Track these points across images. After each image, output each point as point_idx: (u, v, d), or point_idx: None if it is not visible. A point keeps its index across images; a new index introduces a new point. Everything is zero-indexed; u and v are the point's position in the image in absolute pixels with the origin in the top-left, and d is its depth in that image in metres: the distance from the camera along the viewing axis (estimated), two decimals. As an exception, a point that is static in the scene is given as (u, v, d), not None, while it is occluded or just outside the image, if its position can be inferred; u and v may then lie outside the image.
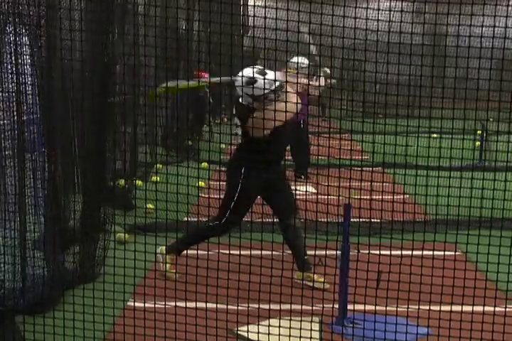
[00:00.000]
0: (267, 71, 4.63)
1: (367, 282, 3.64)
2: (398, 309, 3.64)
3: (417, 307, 3.53)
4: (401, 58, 3.62)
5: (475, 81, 3.83)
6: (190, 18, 8.17)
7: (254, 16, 4.05)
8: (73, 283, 4.31)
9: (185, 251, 4.41)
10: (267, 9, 3.58)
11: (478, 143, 10.38)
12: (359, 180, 3.71)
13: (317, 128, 4.85)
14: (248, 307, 3.56)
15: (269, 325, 3.56)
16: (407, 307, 3.56)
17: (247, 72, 4.54)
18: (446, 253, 3.60)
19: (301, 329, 3.57)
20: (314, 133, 8.71)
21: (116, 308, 3.69)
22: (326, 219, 3.90)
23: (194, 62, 10.12)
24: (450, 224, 4.08)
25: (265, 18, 3.50)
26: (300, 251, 4.78)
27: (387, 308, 3.60)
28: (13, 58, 3.97)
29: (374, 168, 3.89)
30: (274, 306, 3.59)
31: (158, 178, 6.40)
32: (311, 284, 4.79)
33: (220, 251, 3.51)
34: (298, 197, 5.09)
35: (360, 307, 3.91)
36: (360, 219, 4.62)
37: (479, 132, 10.51)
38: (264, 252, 3.60)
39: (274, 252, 3.53)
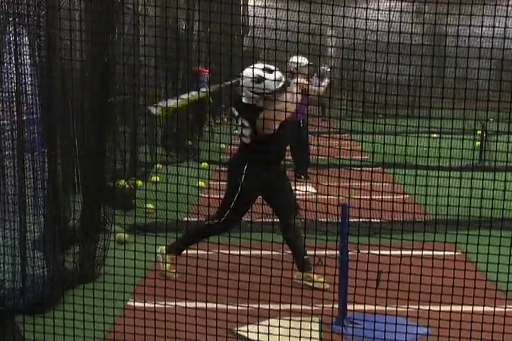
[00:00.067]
0: (272, 68, 4.65)
1: (367, 282, 3.64)
2: (398, 309, 3.64)
3: (416, 307, 3.53)
4: (401, 58, 3.62)
5: (475, 81, 3.83)
6: (190, 18, 8.17)
7: (254, 16, 4.05)
8: (73, 283, 4.31)
9: (185, 251, 4.41)
10: (267, 9, 3.59)
11: (478, 143, 10.38)
12: (359, 180, 3.71)
13: (317, 128, 4.85)
14: (248, 307, 3.56)
15: (269, 325, 3.56)
16: (407, 308, 3.56)
17: (254, 70, 4.53)
18: (446, 253, 3.60)
19: (301, 329, 3.57)
20: (314, 133, 8.71)
21: (117, 308, 3.69)
22: (325, 219, 3.90)
23: (194, 62, 10.12)
24: (450, 224, 4.08)
25: (265, 18, 3.50)
26: (300, 251, 4.78)
27: (387, 308, 3.60)
28: (13, 58, 3.97)
29: (374, 168, 3.89)
30: (274, 306, 3.59)
31: (158, 178, 6.41)
32: (310, 284, 4.79)
33: (220, 251, 3.51)
34: (298, 197, 5.09)
35: (360, 307, 3.91)
36: (360, 219, 4.62)
37: (479, 132, 10.51)
38: (264, 252, 3.60)
39: (273, 252, 3.53)
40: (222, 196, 4.82)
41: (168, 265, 4.95)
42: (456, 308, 3.53)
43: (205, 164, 7.05)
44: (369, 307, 3.79)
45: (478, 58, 3.72)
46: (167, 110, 4.80)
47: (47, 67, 4.30)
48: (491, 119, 9.69)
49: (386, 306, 3.58)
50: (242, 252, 3.54)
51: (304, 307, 3.69)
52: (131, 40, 6.05)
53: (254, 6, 4.39)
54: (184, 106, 4.95)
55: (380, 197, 3.80)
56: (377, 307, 3.66)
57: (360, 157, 4.34)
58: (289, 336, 3.55)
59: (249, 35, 7.90)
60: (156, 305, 3.50)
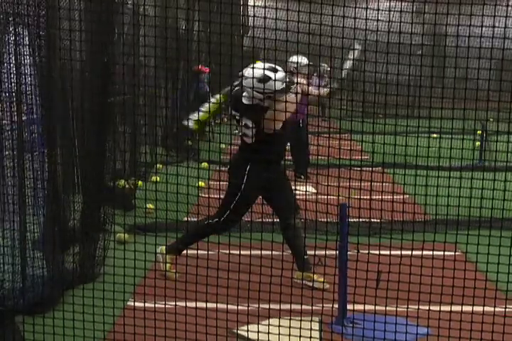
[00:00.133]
0: (277, 67, 4.66)
1: (366, 282, 3.64)
2: (398, 309, 3.64)
3: (416, 307, 3.53)
4: (401, 58, 3.62)
5: (475, 81, 3.83)
6: (190, 18, 8.17)
7: (254, 16, 4.05)
8: (73, 283, 4.31)
9: (185, 251, 4.41)
10: (266, 9, 3.59)
11: (478, 143, 10.38)
12: (359, 180, 3.71)
13: (317, 128, 4.85)
14: (248, 306, 3.56)
15: (269, 325, 3.56)
16: (407, 307, 3.56)
17: (257, 70, 4.53)
18: (446, 253, 3.60)
19: (301, 328, 3.57)
20: (314, 133, 8.70)
21: (116, 308, 3.69)
22: (325, 219, 3.90)
23: (194, 62, 10.12)
24: (450, 224, 4.08)
25: (265, 18, 3.51)
26: (300, 250, 4.78)
27: (387, 308, 3.61)
28: (13, 58, 3.97)
29: (374, 168, 3.89)
30: (274, 306, 3.59)
31: (158, 178, 6.41)
32: (310, 284, 4.79)
33: (220, 250, 3.51)
34: (298, 197, 5.09)
35: (360, 307, 3.91)
36: (360, 219, 4.62)
37: (479, 132, 10.51)
38: (264, 252, 3.60)
39: (273, 252, 3.53)
40: (222, 196, 4.82)
41: (168, 265, 4.95)
42: (456, 308, 3.54)
43: (205, 164, 7.05)
44: (369, 307, 3.80)
45: (478, 58, 3.72)
46: (200, 122, 4.95)
47: (47, 67, 4.30)
48: (491, 119, 9.69)
49: (386, 306, 3.58)
50: (242, 252, 3.54)
51: (304, 307, 3.69)
52: (131, 40, 6.05)
53: (254, 6, 4.39)
54: (213, 113, 5.10)
55: (380, 197, 3.80)
56: (377, 307, 3.67)
57: (360, 157, 4.34)
58: (289, 335, 3.55)
59: (249, 35, 7.90)
60: (156, 305, 3.50)
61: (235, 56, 3.62)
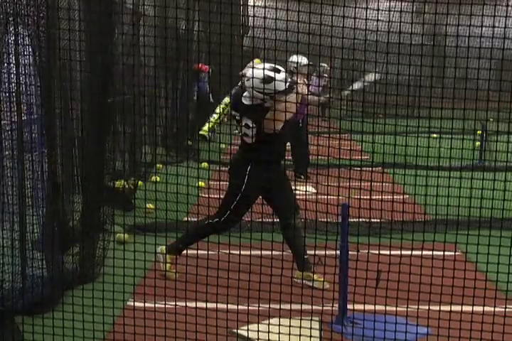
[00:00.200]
0: (279, 68, 4.66)
1: (366, 281, 3.64)
2: (398, 309, 3.64)
3: (416, 307, 3.53)
4: (401, 58, 3.62)
5: (475, 81, 3.83)
6: (190, 18, 8.17)
7: (254, 16, 4.05)
8: (73, 283, 4.31)
9: (185, 251, 4.41)
10: (266, 9, 3.59)
11: (478, 143, 10.38)
12: (359, 180, 3.72)
13: (317, 128, 4.84)
14: (248, 306, 3.56)
15: (269, 324, 3.56)
16: (407, 307, 3.56)
17: (259, 71, 4.53)
18: (446, 253, 3.60)
19: (301, 328, 3.57)
20: (314, 133, 8.71)
21: (116, 308, 3.68)
22: (325, 219, 3.90)
23: (194, 62, 10.12)
24: (450, 224, 4.09)
25: (265, 18, 3.51)
26: (300, 250, 4.78)
27: (387, 308, 3.60)
28: (13, 58, 3.97)
29: (374, 168, 3.89)
30: (274, 305, 3.59)
31: (158, 178, 6.41)
32: (310, 284, 4.79)
33: (220, 250, 3.51)
34: (298, 197, 5.09)
35: (360, 306, 3.91)
36: (360, 219, 4.62)
37: (479, 132, 10.51)
38: (264, 252, 3.60)
39: (274, 252, 3.53)
40: (222, 196, 4.82)
41: (168, 265, 4.95)
42: (456, 308, 3.53)
43: (205, 164, 7.06)
44: (369, 307, 3.80)
45: (478, 58, 3.72)
46: (209, 129, 5.37)
47: (47, 67, 4.30)
48: (491, 119, 9.69)
49: (386, 306, 3.58)
50: (242, 252, 3.54)
51: (304, 306, 3.69)
52: (132, 41, 6.05)
53: (254, 6, 4.39)
54: (219, 118, 5.48)
55: (380, 197, 3.80)
56: (377, 307, 3.67)
57: (360, 157, 4.34)
58: (289, 335, 3.55)
59: (249, 35, 7.91)
60: (156, 305, 3.50)
61: (234, 56, 3.62)
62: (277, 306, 3.62)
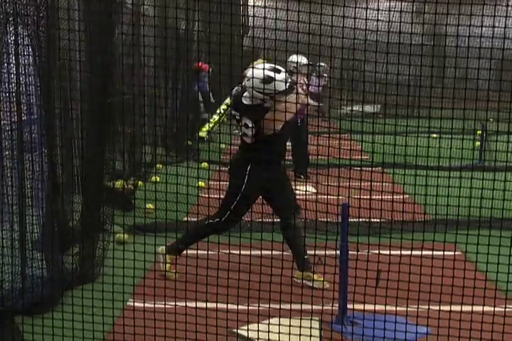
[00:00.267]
0: (279, 68, 4.66)
1: (366, 281, 3.64)
2: (398, 308, 3.64)
3: (416, 306, 3.53)
4: (401, 58, 3.62)
5: (474, 81, 3.83)
6: (190, 18, 8.17)
7: (254, 16, 4.05)
8: (72, 283, 4.30)
9: (185, 251, 4.41)
10: (266, 9, 3.59)
11: (478, 143, 10.38)
12: (359, 179, 3.72)
13: (317, 128, 4.84)
14: (248, 306, 3.56)
15: (269, 324, 3.56)
16: (407, 307, 3.56)
17: (260, 71, 4.53)
18: (446, 253, 3.60)
19: (301, 328, 3.57)
20: (314, 133, 8.70)
21: (116, 309, 3.68)
22: (325, 219, 3.90)
23: (194, 62, 10.11)
24: (450, 223, 4.09)
25: (265, 18, 3.50)
26: (300, 250, 4.78)
27: (387, 307, 3.61)
28: (13, 58, 3.97)
29: (374, 168, 3.89)
30: (274, 305, 3.59)
31: (157, 178, 6.41)
32: (310, 284, 4.79)
33: (220, 250, 3.51)
34: (298, 197, 5.09)
35: (359, 306, 3.91)
36: (360, 219, 4.62)
37: (479, 132, 10.51)
38: (264, 252, 3.60)
39: (274, 252, 3.53)
40: (222, 196, 4.82)
41: (168, 265, 4.95)
42: (455, 308, 3.54)
43: (205, 164, 7.06)
44: (369, 307, 3.80)
45: (478, 58, 3.72)
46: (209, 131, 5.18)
47: (47, 67, 4.30)
48: (491, 119, 9.69)
49: (386, 305, 3.58)
50: (242, 252, 3.54)
51: (304, 306, 3.69)
52: (132, 41, 6.04)
53: (254, 6, 4.39)
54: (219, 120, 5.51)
55: (380, 197, 3.81)
56: (377, 307, 3.67)
57: (360, 157, 4.34)
58: (289, 335, 3.55)
59: (249, 35, 7.90)
60: (156, 305, 3.50)
61: (234, 56, 3.62)
62: (277, 306, 3.62)
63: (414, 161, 3.98)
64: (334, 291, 4.15)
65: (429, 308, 3.52)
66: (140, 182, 7.40)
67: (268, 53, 3.84)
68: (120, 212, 5.14)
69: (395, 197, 3.85)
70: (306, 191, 4.95)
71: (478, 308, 3.48)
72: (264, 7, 3.61)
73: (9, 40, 3.95)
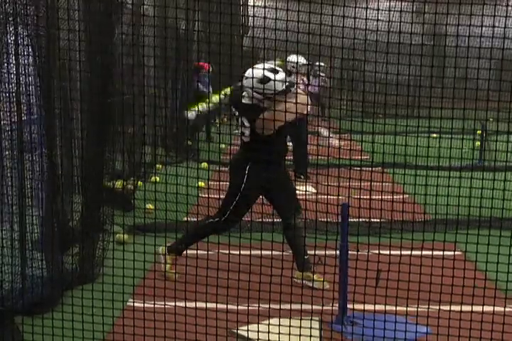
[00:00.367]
0: (278, 69, 4.66)
1: (366, 281, 3.64)
2: (398, 308, 3.64)
3: (416, 306, 3.53)
4: (401, 58, 3.63)
5: (474, 81, 3.83)
6: (190, 18, 8.17)
7: (254, 16, 4.05)
8: (72, 283, 4.30)
9: (185, 251, 4.41)
10: (266, 9, 3.59)
11: (478, 143, 10.38)
12: (359, 179, 3.72)
13: (317, 128, 4.85)
14: (248, 306, 3.56)
15: (269, 325, 3.56)
16: (407, 306, 3.56)
17: (258, 71, 4.54)
18: (446, 252, 3.60)
19: (301, 328, 3.57)
20: (314, 133, 8.71)
21: (116, 309, 3.68)
22: (325, 219, 3.90)
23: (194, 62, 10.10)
24: (449, 223, 4.09)
25: (265, 18, 3.50)
26: (300, 250, 4.78)
27: (387, 307, 3.61)
28: (13, 58, 3.97)
29: (374, 168, 3.89)
30: (274, 306, 3.59)
31: (157, 178, 6.41)
32: (310, 284, 4.79)
33: (220, 250, 3.51)
34: (298, 197, 5.09)
35: (359, 306, 3.91)
36: (360, 219, 4.62)
37: (479, 132, 10.52)
38: (264, 252, 3.60)
39: (273, 252, 3.53)
40: (222, 196, 4.82)
41: (167, 265, 4.95)
42: (455, 307, 3.54)
43: (204, 164, 7.06)
44: (369, 306, 3.80)
45: (478, 58, 3.72)
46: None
47: (47, 67, 4.29)
48: (491, 119, 9.70)
49: (386, 305, 3.58)
50: (242, 252, 3.54)
51: (304, 306, 3.69)
52: (131, 40, 6.04)
53: (254, 6, 4.39)
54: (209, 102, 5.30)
55: (380, 196, 3.81)
56: (377, 306, 3.67)
57: (360, 157, 4.34)
58: (289, 335, 3.55)
59: (249, 35, 7.90)
60: (156, 306, 3.50)
61: (234, 56, 3.62)
62: (277, 306, 3.62)
63: (414, 161, 3.98)
64: (334, 291, 4.15)
65: (429, 308, 3.52)
66: (140, 183, 7.40)
67: (268, 53, 3.84)
68: (120, 212, 5.14)
69: (395, 197, 3.85)
70: (306, 191, 4.95)
71: (477, 308, 3.48)
72: (264, 7, 3.61)
73: (9, 40, 3.94)
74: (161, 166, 8.12)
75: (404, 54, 3.67)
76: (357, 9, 3.69)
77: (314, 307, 3.76)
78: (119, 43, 5.16)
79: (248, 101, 4.72)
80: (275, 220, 4.79)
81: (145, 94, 5.52)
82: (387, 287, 3.60)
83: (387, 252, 3.65)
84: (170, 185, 3.69)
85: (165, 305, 3.52)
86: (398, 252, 3.60)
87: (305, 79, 8.07)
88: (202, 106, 5.29)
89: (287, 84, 4.62)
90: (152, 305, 3.51)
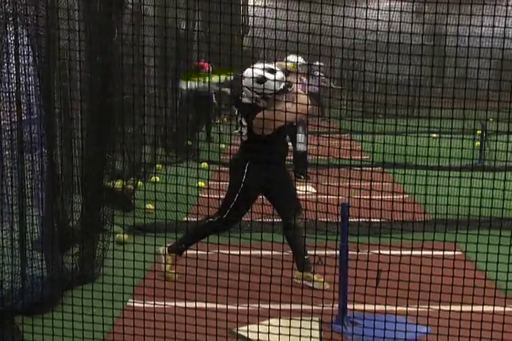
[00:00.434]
0: (276, 68, 4.66)
1: (366, 281, 3.64)
2: (398, 308, 3.64)
3: (416, 306, 3.53)
4: (401, 58, 3.62)
5: (474, 81, 3.83)
6: (190, 18, 8.17)
7: (254, 16, 4.05)
8: (72, 283, 4.30)
9: (185, 251, 4.41)
10: (266, 9, 3.59)
11: (478, 143, 10.38)
12: (359, 179, 3.71)
13: (317, 128, 4.83)
14: (248, 307, 3.56)
15: (269, 325, 3.56)
16: (407, 306, 3.56)
17: (256, 70, 4.54)
18: (446, 252, 3.60)
19: (301, 328, 3.57)
20: (314, 133, 8.70)
21: (116, 309, 3.68)
22: (325, 219, 3.90)
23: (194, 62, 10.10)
24: (449, 223, 4.08)
25: (265, 18, 3.50)
26: (300, 250, 4.78)
27: (387, 307, 3.61)
28: (13, 58, 3.97)
29: (374, 168, 3.89)
30: (274, 306, 3.59)
31: (157, 178, 6.41)
32: (310, 284, 4.78)
33: (220, 251, 3.51)
34: (298, 197, 5.09)
35: (360, 306, 3.91)
36: (360, 219, 4.62)
37: (479, 132, 10.52)
38: (264, 252, 3.60)
39: (273, 252, 3.53)
40: (222, 196, 4.82)
41: (167, 265, 4.95)
42: (455, 307, 3.54)
43: (204, 164, 7.06)
44: (369, 307, 3.79)
45: (478, 58, 3.72)
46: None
47: (47, 67, 4.29)
48: (491, 119, 9.70)
49: (386, 305, 3.58)
50: (242, 252, 3.53)
51: (304, 306, 3.69)
52: (133, 41, 6.04)
53: (254, 6, 4.39)
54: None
55: (380, 196, 3.81)
56: (377, 307, 3.66)
57: (360, 157, 4.34)
58: (289, 335, 3.55)
59: (249, 35, 7.89)
60: (156, 306, 3.50)
61: (234, 56, 3.62)
62: (277, 306, 3.62)
63: (414, 161, 3.98)
64: (334, 291, 4.15)
65: (429, 308, 3.52)
66: (140, 183, 7.40)
67: (268, 53, 3.84)
68: (120, 212, 5.14)
69: (395, 196, 3.85)
70: (306, 191, 4.94)
71: (478, 308, 3.48)
72: (264, 7, 3.61)
73: (9, 40, 3.95)
74: (161, 166, 8.11)
75: (404, 54, 3.67)
76: (357, 9, 3.69)
77: (314, 307, 3.76)
78: (119, 43, 5.16)
79: (246, 100, 4.74)
80: (275, 220, 4.79)
81: (145, 94, 5.51)
82: (388, 287, 3.60)
83: (388, 252, 3.65)
84: (170, 185, 3.68)
85: (165, 305, 3.52)
86: (398, 252, 3.59)
87: (304, 79, 8.06)
88: (199, 82, 5.27)
89: (285, 84, 4.62)
90: (152, 305, 3.51)
